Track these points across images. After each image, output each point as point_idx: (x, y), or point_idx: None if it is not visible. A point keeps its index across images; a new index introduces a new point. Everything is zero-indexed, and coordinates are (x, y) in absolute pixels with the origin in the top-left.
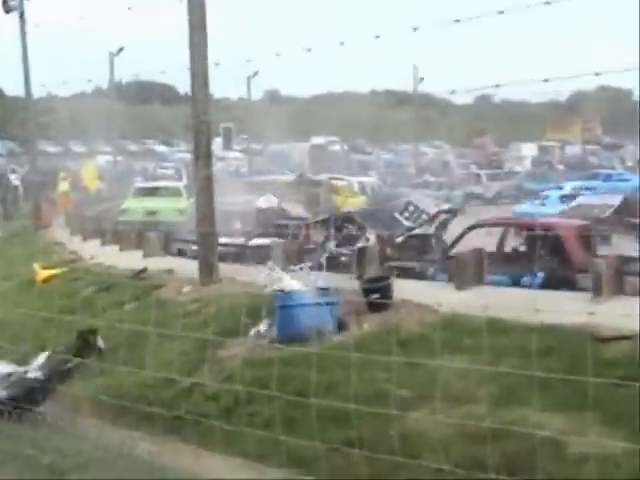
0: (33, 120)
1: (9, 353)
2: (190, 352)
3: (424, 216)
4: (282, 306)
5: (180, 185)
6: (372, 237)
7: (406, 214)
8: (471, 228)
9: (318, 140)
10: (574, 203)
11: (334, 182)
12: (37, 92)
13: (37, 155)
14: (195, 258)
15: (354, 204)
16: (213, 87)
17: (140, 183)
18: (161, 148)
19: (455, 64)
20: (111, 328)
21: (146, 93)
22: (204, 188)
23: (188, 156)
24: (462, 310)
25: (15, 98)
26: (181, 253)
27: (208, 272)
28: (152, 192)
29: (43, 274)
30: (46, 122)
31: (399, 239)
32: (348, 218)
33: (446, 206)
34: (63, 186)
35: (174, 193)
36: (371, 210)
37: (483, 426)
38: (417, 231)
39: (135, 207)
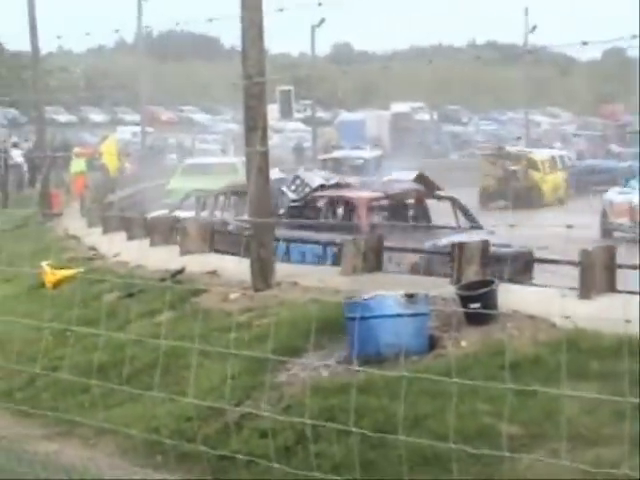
0: (41, 81)
1: (14, 375)
2: (240, 375)
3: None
4: (357, 318)
5: (236, 161)
6: None
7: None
8: None
9: (401, 107)
10: None
11: (531, 156)
12: (46, 46)
13: (45, 126)
14: (244, 256)
15: (554, 182)
16: (268, 40)
17: (190, 160)
18: (202, 117)
19: (577, 8)
20: (140, 344)
21: (183, 47)
22: (258, 168)
23: (236, 127)
24: (589, 325)
25: (19, 54)
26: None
27: (263, 274)
28: (204, 170)
29: (54, 276)
30: (57, 84)
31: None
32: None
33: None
34: (77, 165)
35: (229, 170)
36: None
37: (616, 473)
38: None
39: (182, 188)
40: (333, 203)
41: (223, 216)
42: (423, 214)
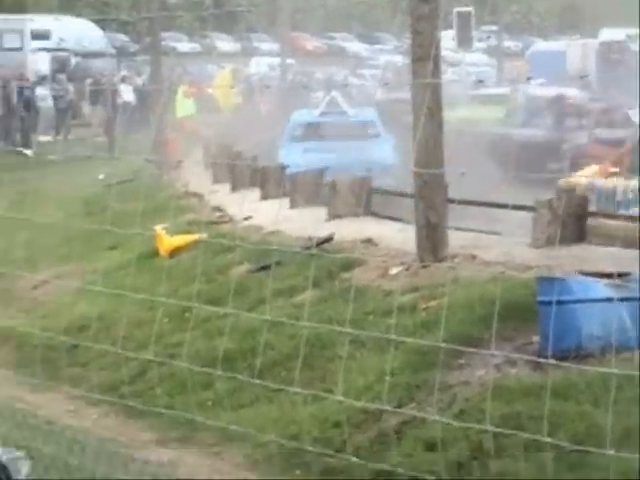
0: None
1: (121, 364)
2: (402, 370)
3: None
4: (552, 301)
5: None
6: None
7: None
8: None
9: (613, 34)
10: None
11: None
12: None
13: (162, 56)
14: (408, 222)
15: None
16: None
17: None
18: (356, 46)
19: None
20: (276, 329)
21: None
22: (427, 106)
23: (398, 59)
24: None
25: None
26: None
27: (432, 243)
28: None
29: (170, 242)
30: (176, 2)
31: None
32: None
33: None
34: (185, 107)
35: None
36: None
37: None
38: None
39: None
40: None
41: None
42: None
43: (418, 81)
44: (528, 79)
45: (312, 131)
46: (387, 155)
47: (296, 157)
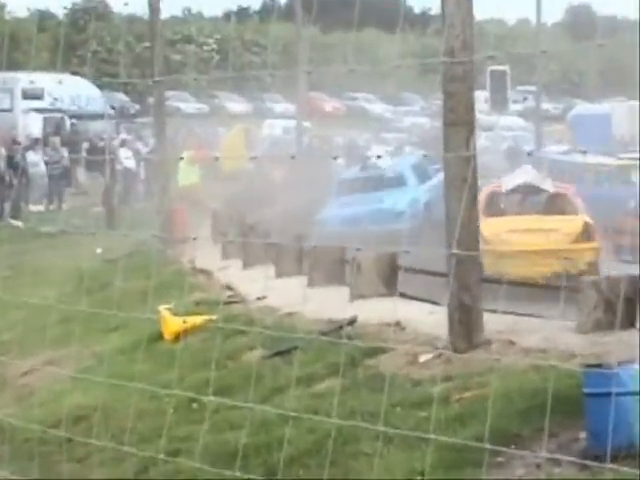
0: (161, 56)
1: (122, 460)
2: (434, 470)
3: None
4: (601, 394)
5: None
6: None
7: None
8: None
9: None
10: None
11: None
12: (169, 8)
13: (167, 117)
14: (436, 303)
15: None
16: (476, 2)
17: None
18: (379, 107)
19: None
20: (294, 422)
21: (356, 11)
22: (460, 179)
23: (424, 121)
24: None
25: (131, 18)
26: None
27: (466, 328)
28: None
29: (176, 324)
30: (182, 60)
31: None
32: None
33: None
34: (188, 174)
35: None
36: None
37: None
38: None
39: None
40: None
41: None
42: None
43: (450, 152)
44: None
45: (349, 186)
46: (401, 202)
47: (332, 211)
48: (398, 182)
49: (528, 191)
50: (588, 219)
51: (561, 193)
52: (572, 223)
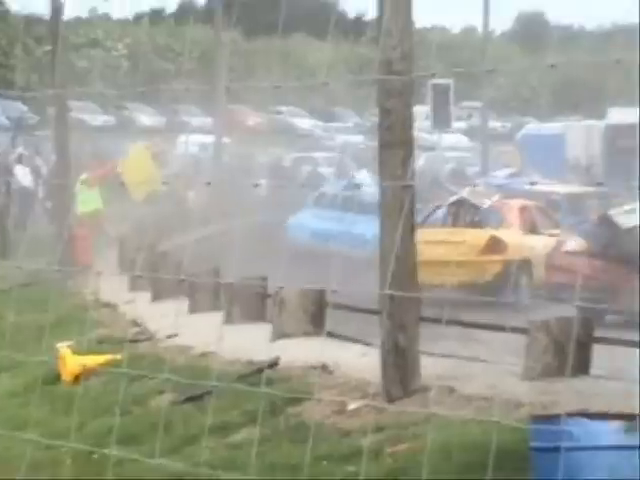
0: (64, 62)
1: None
2: None
3: None
4: (546, 448)
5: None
6: None
7: None
8: None
9: (623, 115)
10: None
11: None
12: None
13: (70, 130)
14: (369, 344)
15: None
16: (417, 8)
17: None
18: (308, 122)
19: None
20: (208, 477)
21: (282, 15)
22: (397, 210)
23: (358, 140)
24: None
25: (30, 18)
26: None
27: (400, 373)
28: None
29: (75, 364)
30: (88, 66)
31: None
32: None
33: None
34: (87, 200)
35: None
36: None
37: None
38: None
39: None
40: None
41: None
42: None
43: (386, 177)
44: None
45: (329, 201)
46: (370, 230)
47: (306, 221)
48: (376, 209)
49: (462, 206)
50: (496, 233)
51: (494, 208)
52: (478, 236)
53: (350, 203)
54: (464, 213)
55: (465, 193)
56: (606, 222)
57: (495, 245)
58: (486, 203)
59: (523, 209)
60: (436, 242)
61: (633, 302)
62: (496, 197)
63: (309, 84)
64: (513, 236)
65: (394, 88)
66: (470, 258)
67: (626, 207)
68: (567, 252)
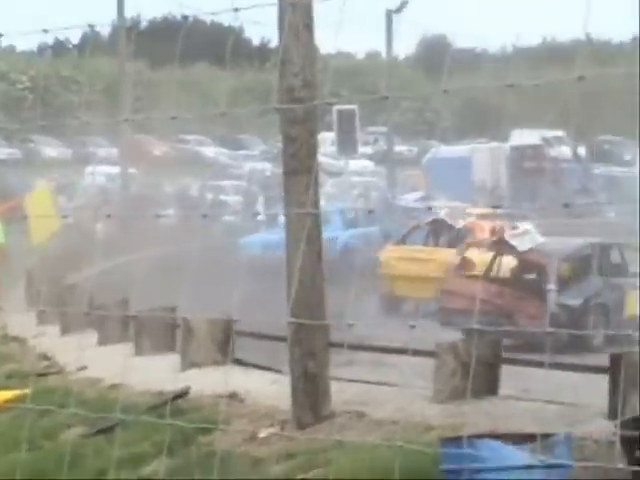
0: None
1: None
2: None
3: None
4: (456, 470)
5: None
6: None
7: None
8: None
9: (528, 137)
10: None
11: None
12: None
13: None
14: (279, 371)
15: None
16: (320, 31)
17: None
18: (213, 151)
19: None
20: None
21: (186, 44)
22: (302, 236)
23: (265, 167)
24: None
25: None
26: None
27: (310, 399)
28: None
29: None
30: None
31: None
32: None
33: None
34: None
35: None
36: None
37: None
38: None
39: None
40: None
41: None
42: None
43: (292, 204)
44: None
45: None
46: None
47: (262, 235)
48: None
49: (439, 225)
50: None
51: (468, 228)
52: (446, 254)
53: None
54: (439, 232)
55: (442, 213)
56: (503, 245)
57: (465, 264)
58: (460, 223)
59: (494, 230)
60: (409, 258)
61: (528, 325)
62: (471, 218)
63: (207, 113)
64: (481, 256)
65: (297, 115)
66: (437, 275)
67: (519, 229)
68: (463, 276)
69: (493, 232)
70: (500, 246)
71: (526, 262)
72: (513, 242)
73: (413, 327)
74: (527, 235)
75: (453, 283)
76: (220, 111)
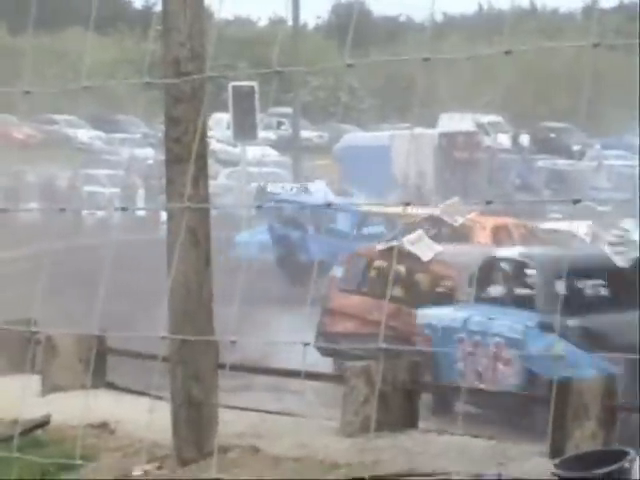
0: None
1: None
2: None
3: None
4: None
5: None
6: None
7: None
8: None
9: (458, 122)
10: None
11: None
12: None
13: None
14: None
15: None
16: None
17: None
18: (87, 134)
19: None
20: None
21: (54, 7)
22: (188, 237)
23: (147, 153)
24: None
25: None
26: None
27: (196, 431)
28: None
29: None
30: None
31: None
32: None
33: None
34: None
35: None
36: None
37: None
38: None
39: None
40: None
41: None
42: None
43: (174, 197)
44: None
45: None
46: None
47: (249, 235)
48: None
49: (437, 223)
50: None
51: (466, 226)
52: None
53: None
54: (437, 230)
55: (439, 210)
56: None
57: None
58: (459, 221)
59: (496, 227)
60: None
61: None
62: (471, 215)
63: (69, 88)
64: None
65: (183, 92)
66: None
67: (412, 234)
68: (340, 290)
69: (495, 229)
70: (396, 254)
71: (431, 274)
72: (412, 249)
73: (307, 345)
74: (423, 241)
75: (332, 301)
76: (84, 85)
